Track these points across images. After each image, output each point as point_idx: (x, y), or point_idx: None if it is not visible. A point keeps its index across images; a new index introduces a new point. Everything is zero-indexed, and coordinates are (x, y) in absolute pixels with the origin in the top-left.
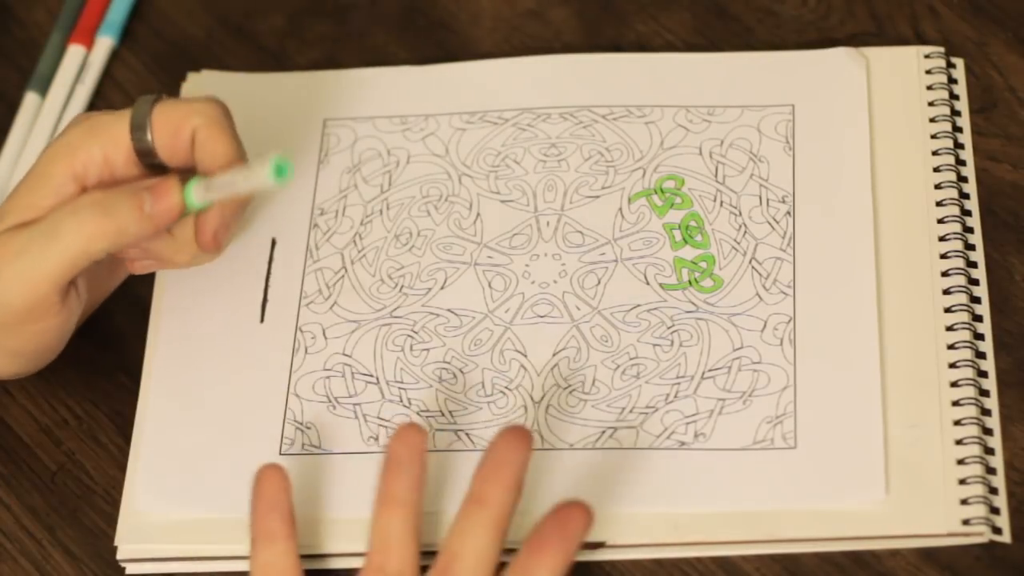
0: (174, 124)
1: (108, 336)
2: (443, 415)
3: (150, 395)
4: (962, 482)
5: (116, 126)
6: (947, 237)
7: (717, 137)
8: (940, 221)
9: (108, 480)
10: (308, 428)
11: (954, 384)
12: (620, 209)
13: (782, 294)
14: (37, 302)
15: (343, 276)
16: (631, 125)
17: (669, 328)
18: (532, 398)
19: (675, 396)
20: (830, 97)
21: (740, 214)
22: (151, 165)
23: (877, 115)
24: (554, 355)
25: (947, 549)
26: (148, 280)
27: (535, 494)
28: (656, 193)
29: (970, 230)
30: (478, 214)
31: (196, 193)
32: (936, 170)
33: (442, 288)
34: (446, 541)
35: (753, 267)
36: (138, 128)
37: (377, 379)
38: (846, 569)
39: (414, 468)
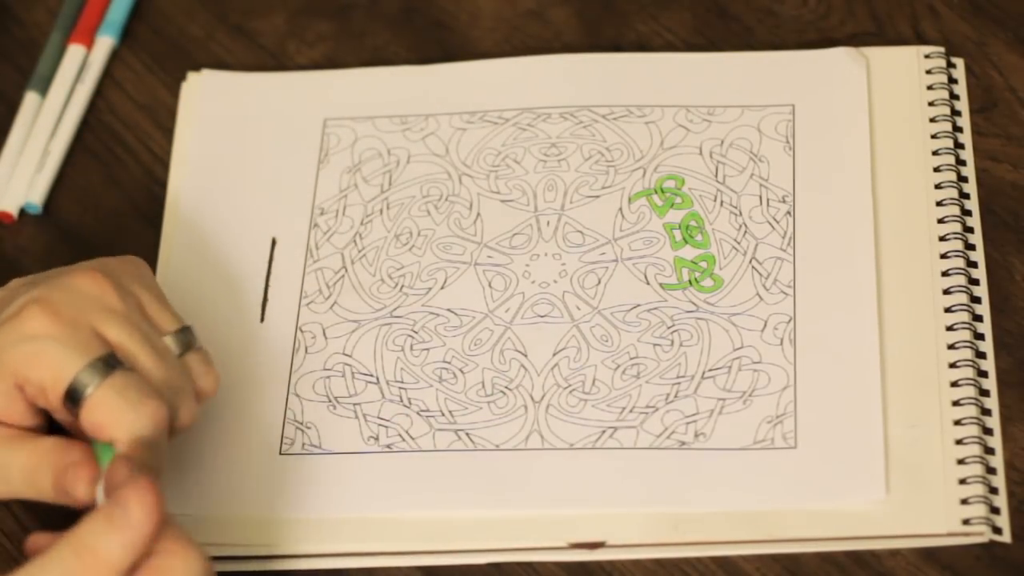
0: (97, 425)
1: None
2: (443, 415)
3: None
4: (962, 482)
5: (64, 370)
6: (947, 237)
7: (717, 137)
8: (940, 221)
9: None
10: (308, 428)
11: (954, 384)
12: (620, 209)
13: (782, 294)
14: None
15: (343, 276)
16: (631, 125)
17: (669, 328)
18: (532, 398)
19: (675, 396)
20: (830, 97)
21: (740, 214)
22: None
23: (877, 115)
24: (554, 355)
25: (947, 549)
26: None
27: (537, 494)
28: (656, 193)
29: (970, 230)
30: (478, 214)
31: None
32: (936, 170)
33: (442, 288)
34: None
35: (753, 267)
36: (71, 399)
37: (377, 379)
38: (846, 569)
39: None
